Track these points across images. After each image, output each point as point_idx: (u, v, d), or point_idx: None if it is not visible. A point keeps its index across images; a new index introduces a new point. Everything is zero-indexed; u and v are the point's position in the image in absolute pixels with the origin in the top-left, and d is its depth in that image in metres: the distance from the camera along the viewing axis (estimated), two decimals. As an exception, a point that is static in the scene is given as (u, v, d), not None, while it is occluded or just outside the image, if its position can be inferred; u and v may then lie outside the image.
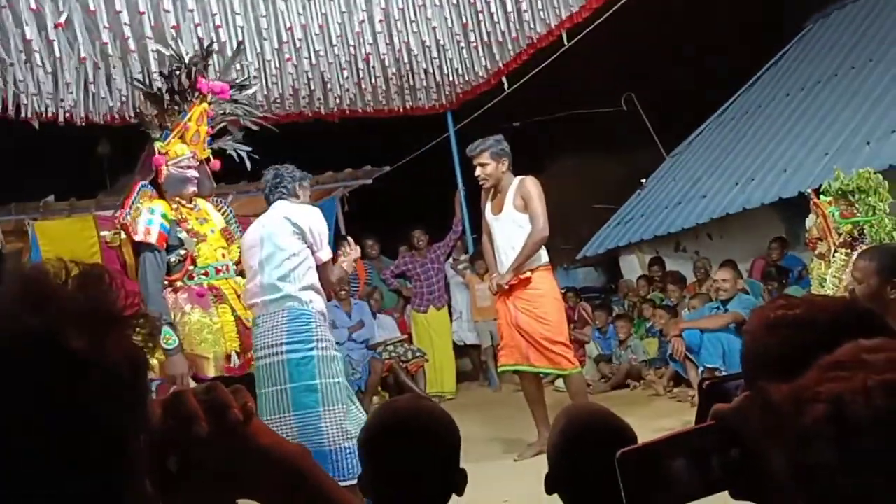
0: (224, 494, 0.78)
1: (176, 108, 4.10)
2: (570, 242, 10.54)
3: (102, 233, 6.62)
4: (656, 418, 5.55)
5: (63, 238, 7.26)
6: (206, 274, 4.06)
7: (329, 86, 7.57)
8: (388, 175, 9.48)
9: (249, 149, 4.44)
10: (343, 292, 7.32)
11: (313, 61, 6.89)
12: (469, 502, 1.69)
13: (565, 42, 7.58)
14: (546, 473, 1.69)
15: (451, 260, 8.72)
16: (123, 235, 3.97)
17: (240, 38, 5.92)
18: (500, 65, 8.03)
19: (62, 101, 6.55)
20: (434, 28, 7.00)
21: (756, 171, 8.46)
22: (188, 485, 0.74)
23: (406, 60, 7.50)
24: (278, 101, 7.64)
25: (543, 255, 5.13)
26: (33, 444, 0.61)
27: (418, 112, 8.80)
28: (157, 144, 4.08)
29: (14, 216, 7.66)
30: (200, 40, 5.59)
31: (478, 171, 5.19)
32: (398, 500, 1.59)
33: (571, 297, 8.65)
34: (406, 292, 8.75)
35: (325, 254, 4.09)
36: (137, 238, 3.89)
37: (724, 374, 5.06)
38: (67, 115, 6.76)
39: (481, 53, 7.79)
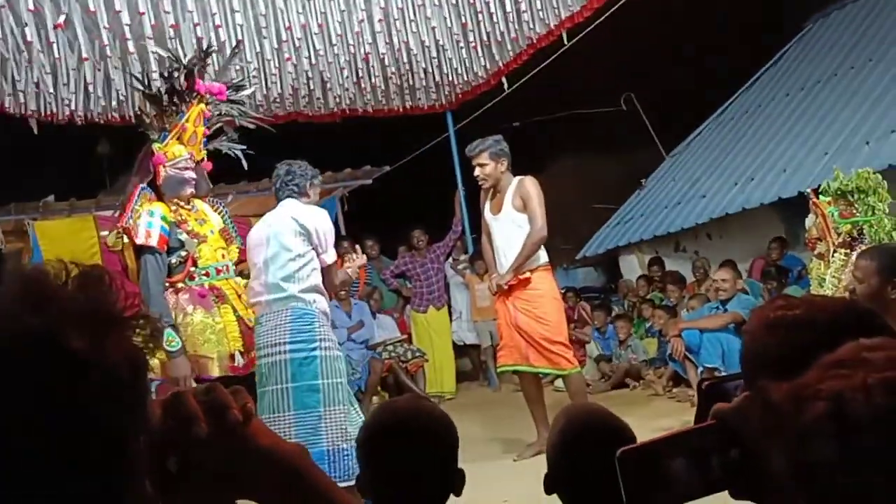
0: (223, 495, 0.78)
1: (174, 109, 4.11)
2: (570, 242, 10.52)
3: (102, 233, 6.63)
4: (655, 418, 5.56)
5: (63, 238, 7.26)
6: (206, 274, 4.06)
7: (329, 85, 7.57)
8: (387, 175, 9.48)
9: (244, 147, 4.44)
10: (343, 292, 7.32)
11: (313, 61, 6.89)
12: (468, 502, 1.69)
13: (565, 42, 7.58)
14: (545, 473, 1.70)
15: (450, 260, 8.72)
16: (126, 239, 3.97)
17: (239, 38, 5.92)
18: (500, 65, 8.03)
19: (63, 100, 6.55)
20: (434, 28, 7.00)
21: (755, 171, 8.46)
22: (188, 485, 0.74)
23: (406, 60, 7.50)
24: (278, 100, 7.64)
25: (543, 256, 5.13)
26: (33, 444, 0.61)
27: (418, 112, 8.80)
28: (156, 146, 4.08)
29: (14, 216, 7.66)
30: (200, 39, 5.59)
31: (477, 172, 5.19)
32: (396, 500, 1.59)
33: (571, 297, 8.65)
34: (406, 292, 8.74)
35: (330, 256, 4.10)
36: (138, 241, 3.89)
37: (723, 374, 5.06)
38: (67, 114, 6.76)
39: (481, 53, 7.79)
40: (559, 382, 6.05)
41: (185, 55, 4.59)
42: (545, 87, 8.64)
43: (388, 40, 7.01)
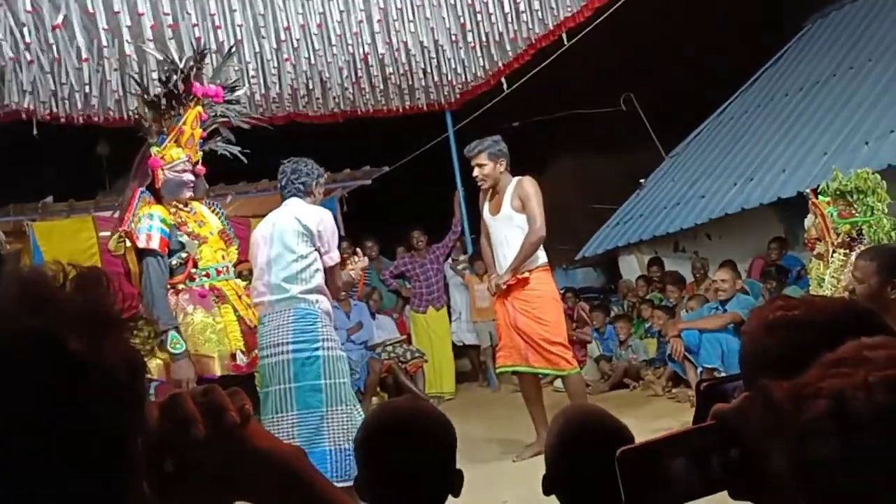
0: (221, 497, 0.78)
1: (172, 112, 4.11)
2: (569, 243, 10.51)
3: (101, 233, 6.62)
4: (655, 418, 5.56)
5: (62, 239, 7.25)
6: (207, 275, 4.06)
7: (328, 86, 7.56)
8: (387, 175, 9.47)
9: (238, 148, 4.44)
10: (342, 293, 7.32)
11: (312, 61, 6.89)
12: (468, 503, 1.69)
13: (565, 42, 7.58)
14: (543, 474, 1.69)
15: (450, 260, 8.72)
16: (128, 244, 3.97)
17: (238, 38, 5.92)
18: (500, 65, 8.02)
19: (62, 101, 6.54)
20: (433, 28, 7.00)
21: (755, 172, 8.46)
22: (185, 487, 0.74)
23: (405, 60, 7.50)
24: (277, 101, 7.64)
25: (542, 256, 5.13)
26: (34, 444, 0.61)
27: (417, 112, 8.80)
28: (154, 149, 4.08)
29: (13, 217, 7.65)
30: (198, 40, 5.58)
31: (476, 172, 5.19)
32: (395, 500, 1.59)
33: (570, 298, 8.65)
34: (405, 293, 8.75)
35: (334, 258, 4.11)
36: (140, 245, 3.89)
37: (722, 374, 5.07)
38: (66, 115, 6.75)
39: (480, 53, 7.79)
40: (558, 383, 6.05)
41: (183, 56, 4.57)
42: (545, 87, 8.63)
43: (387, 40, 7.01)
